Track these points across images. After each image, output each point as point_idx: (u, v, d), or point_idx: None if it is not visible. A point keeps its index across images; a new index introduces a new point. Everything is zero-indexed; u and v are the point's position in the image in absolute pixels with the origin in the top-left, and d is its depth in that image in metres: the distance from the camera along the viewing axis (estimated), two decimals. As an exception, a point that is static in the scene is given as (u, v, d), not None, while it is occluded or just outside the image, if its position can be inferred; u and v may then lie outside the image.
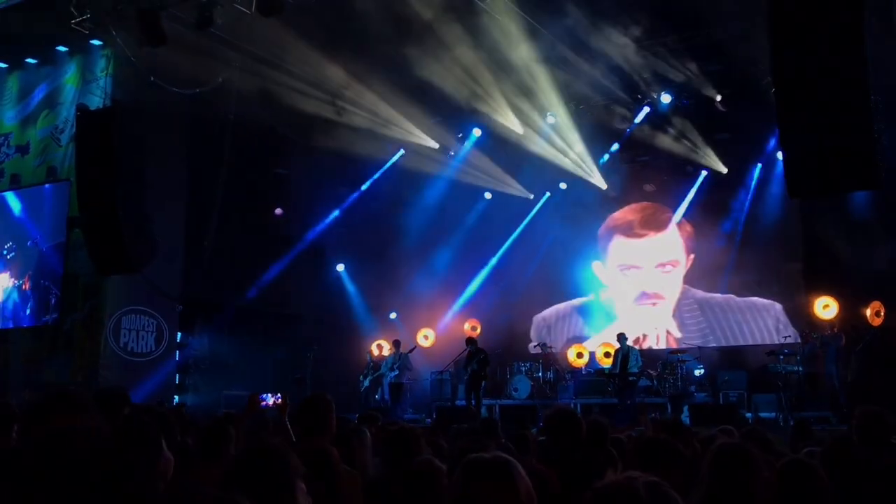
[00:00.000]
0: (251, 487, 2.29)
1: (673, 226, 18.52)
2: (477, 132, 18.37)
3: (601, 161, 18.24)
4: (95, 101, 14.84)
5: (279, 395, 5.44)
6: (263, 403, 5.16)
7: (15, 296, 16.35)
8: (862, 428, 4.33)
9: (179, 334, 16.42)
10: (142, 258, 12.77)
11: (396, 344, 17.40)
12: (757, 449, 4.17)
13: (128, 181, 12.56)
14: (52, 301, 15.74)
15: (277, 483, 2.39)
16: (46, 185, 16.27)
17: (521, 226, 19.65)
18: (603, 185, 18.47)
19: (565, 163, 17.91)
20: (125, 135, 12.73)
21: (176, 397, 16.05)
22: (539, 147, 17.70)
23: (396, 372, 16.85)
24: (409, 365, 17.11)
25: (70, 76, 16.46)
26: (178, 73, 14.15)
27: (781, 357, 13.98)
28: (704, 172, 17.72)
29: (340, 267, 19.80)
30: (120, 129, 12.72)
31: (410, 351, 17.25)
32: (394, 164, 18.94)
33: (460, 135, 18.62)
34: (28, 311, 16.12)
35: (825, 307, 15.81)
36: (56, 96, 16.62)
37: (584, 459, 4.22)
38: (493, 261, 19.78)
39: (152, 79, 14.12)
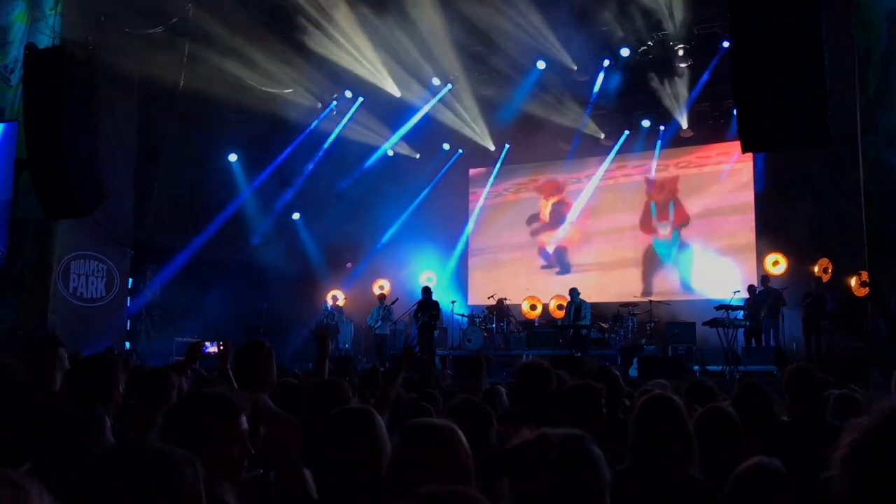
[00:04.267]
0: (184, 434, 2.27)
1: (630, 179, 18.70)
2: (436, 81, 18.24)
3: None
4: (45, 41, 14.40)
5: (220, 343, 5.31)
6: (206, 350, 5.03)
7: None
8: (791, 385, 4.40)
9: (131, 280, 16.21)
10: (90, 202, 12.51)
11: (381, 297, 17.69)
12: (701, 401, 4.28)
13: (76, 123, 12.26)
14: (0, 246, 15.43)
15: (209, 429, 2.35)
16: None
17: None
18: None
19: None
20: (74, 75, 12.40)
21: (127, 343, 15.90)
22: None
23: (381, 323, 16.94)
24: (392, 317, 17.18)
25: (18, 13, 15.90)
26: (130, 13, 13.78)
27: (730, 312, 14.21)
28: (661, 127, 17.86)
29: (296, 215, 19.66)
30: (69, 70, 12.39)
31: (393, 302, 17.34)
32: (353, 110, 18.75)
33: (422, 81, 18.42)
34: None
35: (775, 263, 16.13)
36: (4, 34, 16.06)
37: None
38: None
39: (102, 18, 13.77)
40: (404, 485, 2.20)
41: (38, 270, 14.91)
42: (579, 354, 14.30)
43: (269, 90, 16.73)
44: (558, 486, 1.83)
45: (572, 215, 19.24)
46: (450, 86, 17.82)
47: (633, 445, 3.26)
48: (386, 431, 2.81)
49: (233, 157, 18.22)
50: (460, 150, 19.83)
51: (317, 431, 3.27)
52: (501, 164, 19.85)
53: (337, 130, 18.72)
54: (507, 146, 19.41)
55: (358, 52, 16.16)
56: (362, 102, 18.30)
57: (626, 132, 18.31)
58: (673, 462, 3.19)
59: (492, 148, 19.34)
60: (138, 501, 1.50)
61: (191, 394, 2.58)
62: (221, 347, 5.33)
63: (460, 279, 19.80)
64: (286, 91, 17.09)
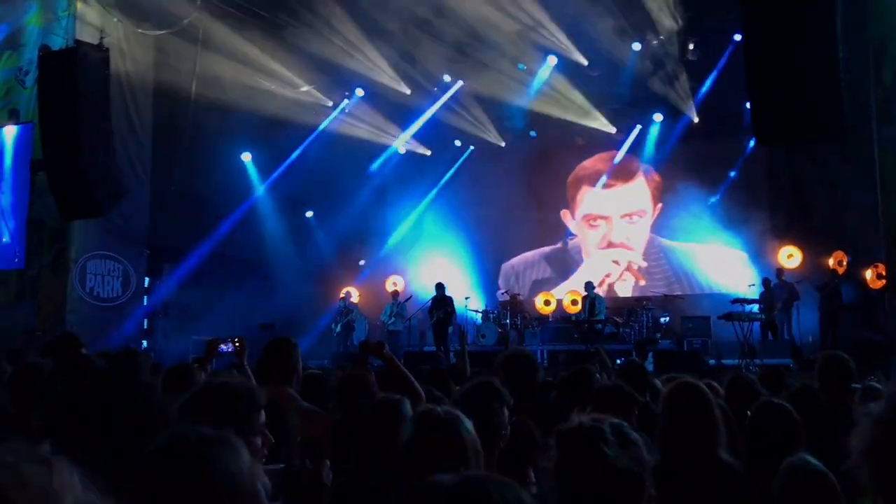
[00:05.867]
0: (203, 422, 2.27)
1: (640, 176, 18.65)
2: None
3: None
4: (59, 42, 14.48)
5: (236, 340, 5.36)
6: (221, 350, 5.09)
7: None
8: (824, 373, 4.41)
9: (147, 279, 16.31)
10: (106, 202, 12.58)
11: (394, 294, 17.73)
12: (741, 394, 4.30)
13: (91, 123, 12.32)
14: (17, 247, 15.54)
15: (229, 417, 2.33)
16: (8, 127, 15.94)
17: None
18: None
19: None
20: (89, 76, 12.46)
21: (144, 342, 16.00)
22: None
23: (394, 320, 16.98)
24: (405, 313, 17.20)
25: (32, 16, 16.01)
26: (142, 12, 13.84)
27: (745, 305, 14.19)
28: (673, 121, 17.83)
29: (309, 213, 19.72)
30: (83, 71, 12.45)
31: (407, 300, 17.36)
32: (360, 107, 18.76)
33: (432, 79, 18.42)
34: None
35: (789, 256, 16.09)
36: (18, 37, 16.18)
37: (543, 404, 4.29)
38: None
39: (116, 19, 13.85)
40: (413, 472, 2.24)
41: (55, 271, 15.03)
42: (594, 349, 14.30)
43: (281, 90, 16.78)
44: (610, 466, 1.93)
45: (583, 211, 19.21)
46: (460, 82, 17.85)
47: (662, 432, 3.31)
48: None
49: (246, 157, 18.28)
50: (472, 147, 19.84)
51: (346, 423, 3.31)
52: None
53: (325, 123, 18.68)
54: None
55: (365, 51, 16.23)
56: (372, 100, 18.31)
57: (638, 126, 18.26)
58: (703, 447, 3.24)
59: (502, 144, 19.36)
60: (199, 486, 1.53)
61: (211, 382, 2.51)
62: (237, 344, 5.39)
63: (474, 275, 19.77)
64: (298, 90, 17.14)
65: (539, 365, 4.75)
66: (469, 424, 2.37)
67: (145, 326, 16.49)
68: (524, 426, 3.38)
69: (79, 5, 14.48)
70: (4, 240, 15.82)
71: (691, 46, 15.90)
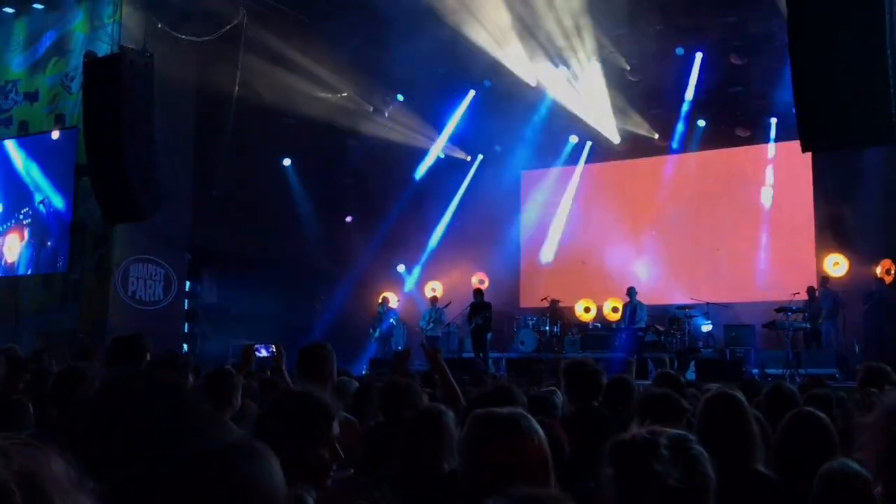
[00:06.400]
0: (277, 432, 2.21)
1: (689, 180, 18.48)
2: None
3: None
4: (104, 49, 14.68)
5: (273, 346, 5.41)
6: (258, 354, 5.15)
7: (26, 248, 16.40)
8: (865, 382, 4.31)
9: (188, 283, 16.46)
10: (149, 207, 12.70)
11: (433, 299, 17.77)
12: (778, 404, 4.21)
13: (135, 128, 12.46)
14: (61, 250, 15.79)
15: (304, 428, 2.31)
16: (54, 133, 16.21)
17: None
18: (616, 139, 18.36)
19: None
20: (133, 82, 12.61)
21: (185, 346, 16.13)
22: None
23: (432, 325, 16.97)
24: (444, 319, 17.18)
25: (78, 23, 16.29)
26: (187, 20, 13.98)
27: (790, 314, 13.95)
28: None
29: (349, 219, 19.78)
30: (128, 77, 12.60)
31: (446, 305, 17.34)
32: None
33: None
34: (37, 260, 16.18)
35: (836, 265, 15.80)
36: (65, 43, 16.46)
37: (605, 416, 4.23)
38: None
39: (160, 25, 14.00)
40: (475, 477, 2.15)
41: (98, 274, 15.25)
42: (634, 357, 14.15)
43: (323, 95, 16.85)
44: (668, 481, 1.82)
45: (624, 216, 19.05)
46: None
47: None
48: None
49: (286, 162, 18.40)
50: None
51: (390, 431, 3.28)
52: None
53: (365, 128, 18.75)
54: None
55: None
56: (412, 105, 18.32)
57: (681, 131, 18.05)
58: (739, 458, 3.17)
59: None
60: (227, 496, 1.48)
61: (287, 392, 2.52)
62: (275, 350, 5.42)
63: (513, 281, 19.68)
64: (339, 95, 17.20)
65: (602, 374, 4.72)
66: (536, 424, 2.26)
67: (186, 330, 16.64)
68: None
69: (124, 11, 14.68)
70: (49, 244, 16.07)
71: (735, 50, 15.70)
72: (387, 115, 18.62)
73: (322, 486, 2.29)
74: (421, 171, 19.43)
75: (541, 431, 2.23)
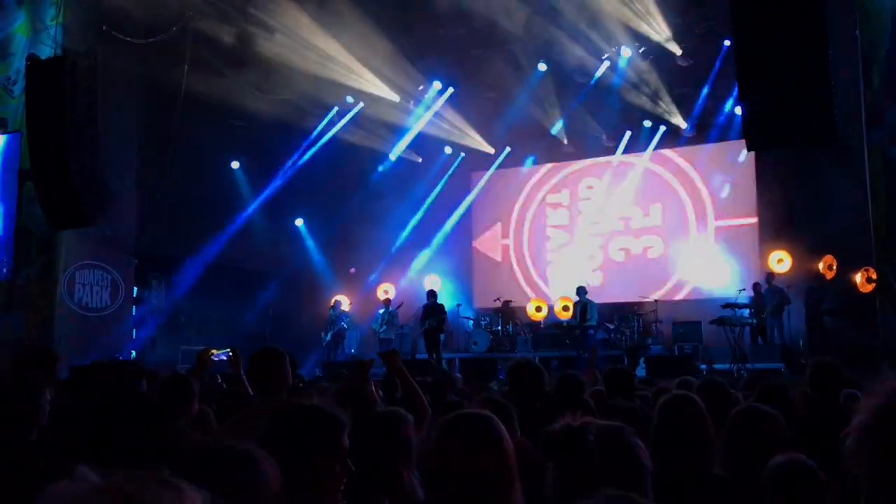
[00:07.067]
0: (288, 445, 2.16)
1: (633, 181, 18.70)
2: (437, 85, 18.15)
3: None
4: (47, 52, 14.39)
5: (228, 350, 5.34)
6: (216, 356, 5.05)
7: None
8: (815, 379, 4.40)
9: (136, 289, 16.20)
10: (95, 211, 12.49)
11: (386, 301, 17.71)
12: (713, 398, 4.26)
13: (80, 132, 12.24)
14: (4, 258, 15.43)
15: (315, 441, 2.23)
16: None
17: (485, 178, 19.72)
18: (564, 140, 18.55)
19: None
20: (77, 85, 12.38)
21: (133, 352, 15.88)
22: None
23: (385, 328, 16.92)
24: (396, 321, 17.15)
25: (20, 25, 15.93)
26: (131, 22, 13.76)
27: (736, 310, 14.20)
28: (663, 127, 17.88)
29: (299, 221, 19.63)
30: (71, 80, 12.37)
31: (398, 307, 17.31)
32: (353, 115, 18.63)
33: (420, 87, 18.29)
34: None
35: (779, 261, 16.10)
36: (6, 46, 16.08)
37: (549, 411, 4.24)
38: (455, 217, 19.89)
39: (104, 27, 13.77)
40: (444, 479, 2.13)
41: (43, 281, 14.92)
42: (587, 355, 14.28)
43: (272, 96, 16.68)
44: (601, 471, 1.84)
45: (573, 216, 19.23)
46: (451, 89, 17.83)
47: (654, 445, 3.24)
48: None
49: (235, 165, 18.20)
50: (462, 154, 19.82)
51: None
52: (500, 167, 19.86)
53: (317, 130, 18.67)
54: (507, 149, 19.37)
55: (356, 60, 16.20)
56: (364, 107, 18.22)
57: (628, 132, 18.28)
58: (695, 461, 3.18)
59: (492, 151, 19.36)
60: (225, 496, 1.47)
61: (297, 404, 2.41)
62: (231, 355, 5.37)
63: (465, 282, 19.73)
64: (289, 97, 17.04)
65: (544, 373, 4.72)
66: (502, 427, 2.23)
67: (134, 336, 16.37)
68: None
69: (67, 14, 14.40)
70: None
71: (680, 52, 15.91)
72: (338, 116, 18.48)
73: (334, 500, 2.23)
74: (374, 172, 19.33)
75: (506, 433, 2.22)
